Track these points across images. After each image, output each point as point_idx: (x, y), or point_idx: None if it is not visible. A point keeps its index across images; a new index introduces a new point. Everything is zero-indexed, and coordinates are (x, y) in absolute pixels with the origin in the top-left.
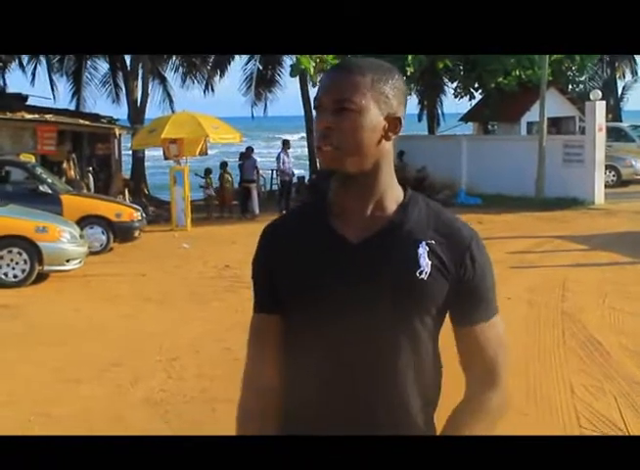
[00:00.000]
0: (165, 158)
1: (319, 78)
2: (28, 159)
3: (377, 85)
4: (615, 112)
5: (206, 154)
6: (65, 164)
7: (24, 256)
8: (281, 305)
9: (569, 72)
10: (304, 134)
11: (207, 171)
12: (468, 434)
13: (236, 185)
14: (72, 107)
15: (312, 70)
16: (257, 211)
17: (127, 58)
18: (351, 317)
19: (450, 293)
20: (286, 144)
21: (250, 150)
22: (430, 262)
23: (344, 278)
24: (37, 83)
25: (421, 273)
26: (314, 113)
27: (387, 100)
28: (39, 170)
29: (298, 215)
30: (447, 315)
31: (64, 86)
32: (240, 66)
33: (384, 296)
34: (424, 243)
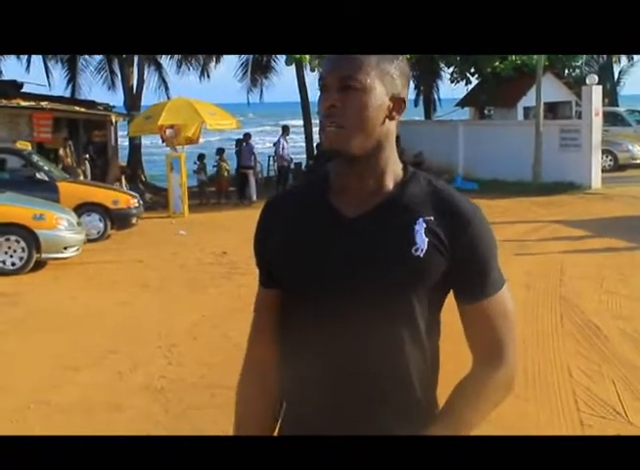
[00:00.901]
0: (164, 142)
1: (318, 62)
2: (24, 146)
3: (382, 65)
4: (611, 96)
5: (197, 142)
6: (61, 152)
7: (22, 243)
8: (278, 280)
9: (565, 57)
10: (301, 121)
11: (201, 157)
12: (469, 413)
13: (233, 171)
14: (68, 94)
15: (307, 57)
16: (255, 197)
17: None
18: (347, 292)
19: (450, 270)
20: (285, 130)
21: (247, 136)
22: (426, 240)
23: (340, 253)
24: (32, 70)
25: (417, 250)
26: (317, 94)
27: (392, 80)
28: (35, 158)
29: (298, 193)
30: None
31: (59, 73)
32: None
33: (379, 271)
34: (421, 220)
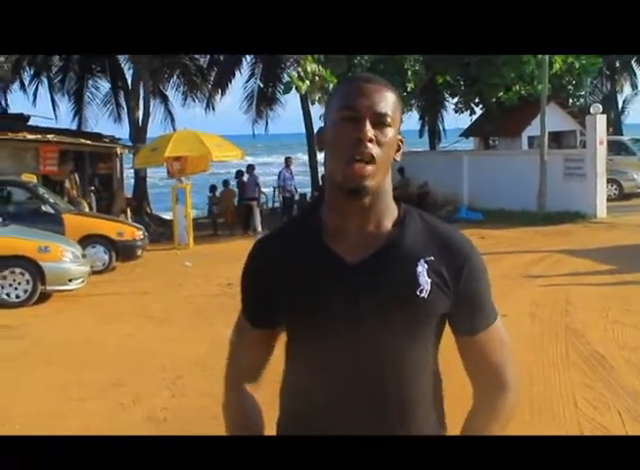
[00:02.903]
0: (170, 175)
1: (319, 97)
2: (30, 179)
3: (399, 105)
4: (615, 125)
5: (206, 170)
6: (67, 184)
7: (27, 276)
8: (273, 321)
9: (569, 87)
10: (306, 152)
11: (213, 188)
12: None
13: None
14: (74, 126)
15: (304, 88)
16: (260, 228)
17: (128, 77)
18: (354, 338)
19: (451, 305)
20: (288, 161)
21: (251, 168)
22: (429, 280)
23: (345, 299)
24: (39, 103)
25: (421, 291)
26: (332, 117)
27: (400, 121)
28: (41, 190)
29: (289, 234)
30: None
31: (65, 106)
32: (240, 84)
33: (385, 315)
34: (422, 261)
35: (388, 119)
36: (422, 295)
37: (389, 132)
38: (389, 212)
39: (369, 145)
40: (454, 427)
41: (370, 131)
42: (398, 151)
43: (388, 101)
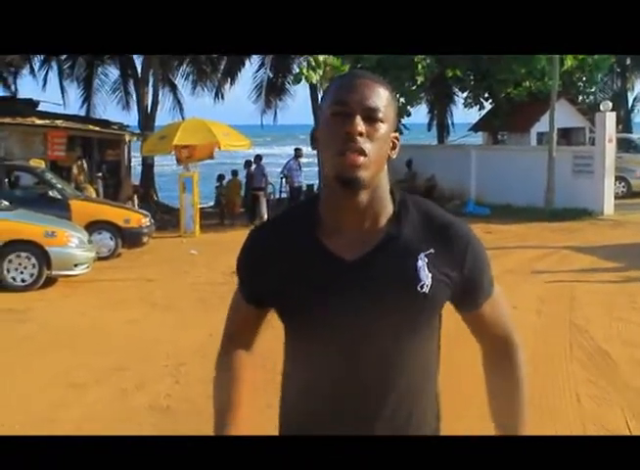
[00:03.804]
0: (178, 162)
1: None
2: (38, 164)
3: (393, 102)
4: (625, 123)
5: (212, 158)
6: (74, 170)
7: (33, 260)
8: (264, 303)
9: (579, 83)
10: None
11: (220, 177)
12: (525, 392)
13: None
14: (83, 113)
15: (314, 78)
16: (266, 218)
17: (138, 65)
18: (354, 335)
19: (453, 292)
20: (298, 152)
21: (258, 158)
22: (430, 274)
23: (344, 297)
24: (48, 89)
25: (422, 287)
26: (324, 113)
27: (394, 119)
28: (49, 176)
29: (284, 228)
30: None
31: (74, 92)
32: (250, 73)
33: (386, 312)
34: (422, 255)
35: (380, 114)
36: (423, 290)
37: (381, 128)
38: (386, 209)
39: (359, 139)
40: (452, 420)
41: (360, 125)
42: (394, 148)
43: (379, 96)
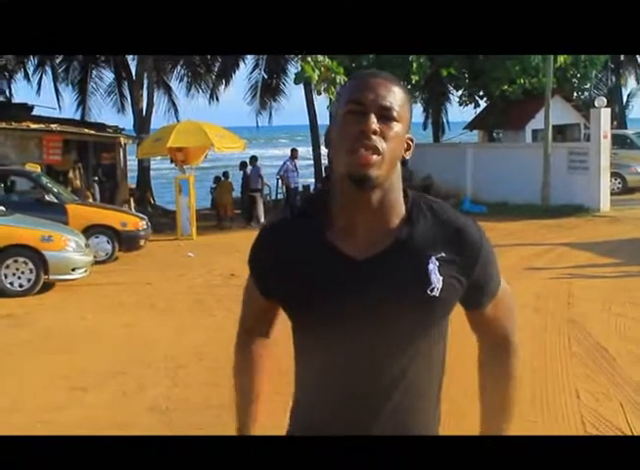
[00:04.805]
0: (173, 163)
1: (324, 86)
2: (34, 168)
3: (408, 102)
4: (619, 119)
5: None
6: (70, 174)
7: (30, 265)
8: (274, 296)
9: (573, 80)
10: (310, 143)
11: (217, 179)
12: (514, 394)
13: (236, 194)
14: (78, 116)
15: (316, 77)
16: (263, 219)
17: (132, 67)
18: (363, 335)
19: (462, 293)
20: (294, 153)
21: (254, 159)
22: (441, 278)
23: (352, 297)
24: (43, 93)
25: (432, 290)
26: (334, 112)
27: (409, 119)
28: (45, 180)
29: (293, 226)
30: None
31: (69, 96)
32: (245, 75)
33: (395, 313)
34: (434, 258)
35: (394, 114)
36: (433, 293)
37: (396, 127)
38: (398, 210)
39: (373, 137)
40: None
41: (374, 124)
42: (408, 149)
43: (394, 95)
